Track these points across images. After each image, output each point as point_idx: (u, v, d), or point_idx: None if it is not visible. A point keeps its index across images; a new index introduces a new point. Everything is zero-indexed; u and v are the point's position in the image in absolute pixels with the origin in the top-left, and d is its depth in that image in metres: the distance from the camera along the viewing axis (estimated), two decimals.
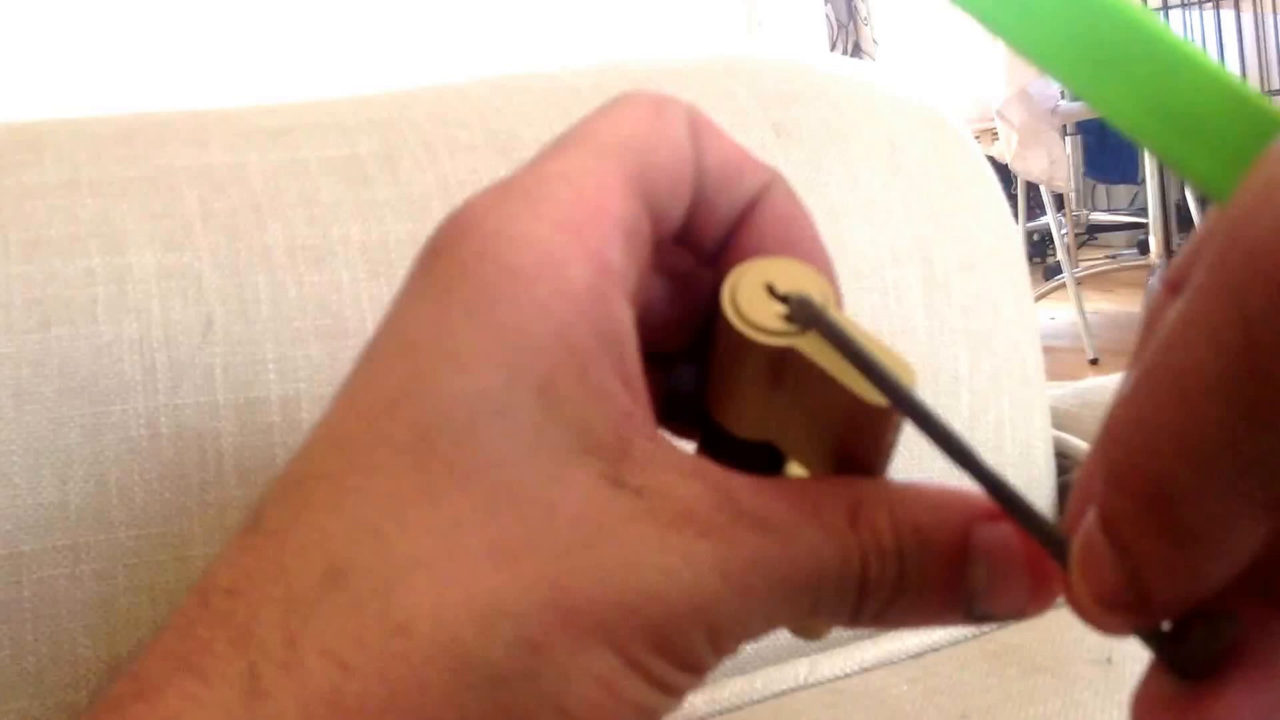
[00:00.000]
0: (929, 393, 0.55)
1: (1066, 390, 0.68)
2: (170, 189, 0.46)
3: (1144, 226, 3.24)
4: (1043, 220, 3.17)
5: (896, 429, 0.23)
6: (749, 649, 0.49)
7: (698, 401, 0.26)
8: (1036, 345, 0.61)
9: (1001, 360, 0.58)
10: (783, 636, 0.28)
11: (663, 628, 0.20)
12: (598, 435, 0.21)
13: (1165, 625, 0.20)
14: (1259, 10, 2.51)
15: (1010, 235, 0.61)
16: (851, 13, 3.29)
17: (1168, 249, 2.90)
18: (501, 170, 0.43)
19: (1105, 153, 3.91)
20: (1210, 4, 2.58)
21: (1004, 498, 0.21)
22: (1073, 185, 3.54)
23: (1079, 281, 2.92)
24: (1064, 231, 3.09)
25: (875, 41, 3.29)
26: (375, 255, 0.46)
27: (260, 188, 0.47)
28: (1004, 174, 2.67)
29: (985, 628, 0.49)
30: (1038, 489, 0.59)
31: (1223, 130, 0.19)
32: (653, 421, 0.22)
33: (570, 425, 0.21)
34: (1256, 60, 2.52)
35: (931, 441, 0.21)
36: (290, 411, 0.43)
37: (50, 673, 0.40)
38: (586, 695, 0.20)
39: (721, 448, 0.25)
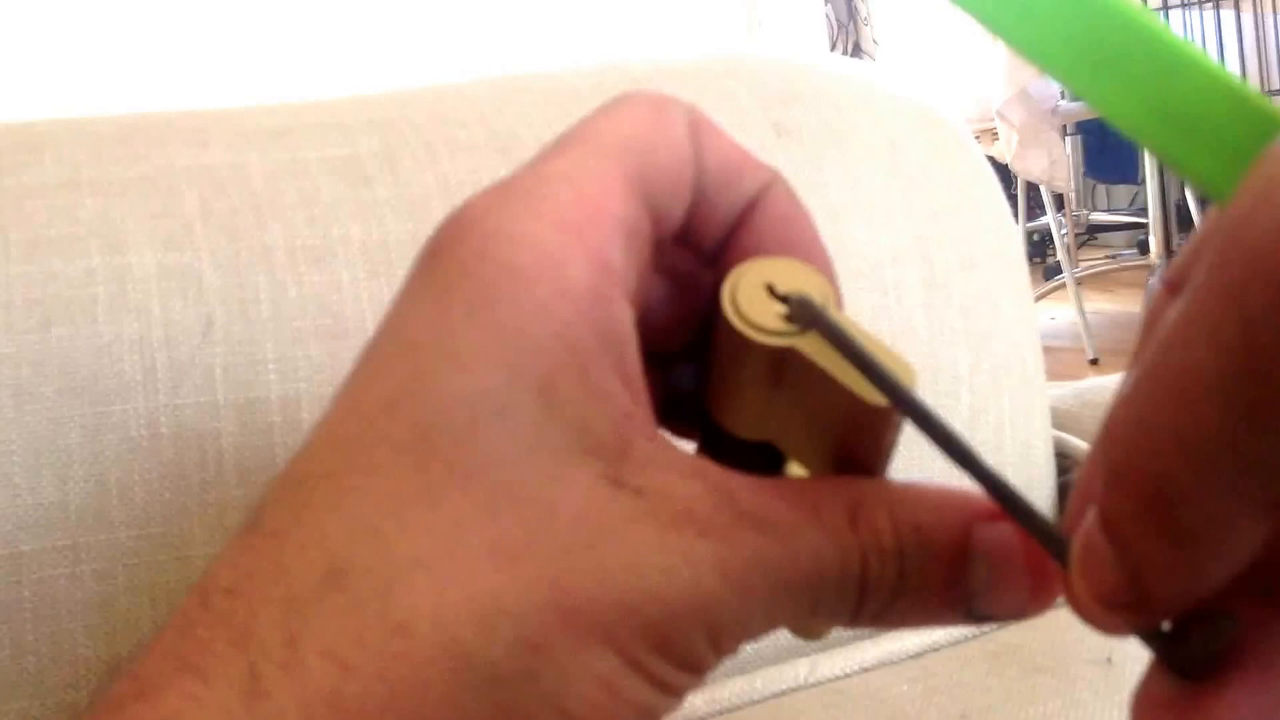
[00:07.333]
0: (929, 393, 0.55)
1: (1066, 390, 0.68)
2: (170, 189, 0.46)
3: (1144, 226, 3.24)
4: (1043, 220, 3.17)
5: (896, 429, 0.23)
6: (749, 649, 0.49)
7: (698, 401, 0.26)
8: (1036, 345, 0.61)
9: (1001, 360, 0.58)
10: (783, 636, 0.28)
11: (663, 628, 0.20)
12: (598, 435, 0.21)
13: (1165, 625, 0.20)
14: (1259, 10, 2.51)
15: (1010, 235, 0.61)
16: (851, 13, 3.29)
17: (1168, 249, 2.90)
18: (501, 170, 0.43)
19: (1105, 153, 3.91)
20: (1210, 4, 2.58)
21: (1004, 498, 0.21)
22: (1073, 185, 3.54)
23: (1079, 281, 2.92)
24: (1064, 231, 3.09)
25: (875, 41, 3.29)
26: (375, 255, 0.46)
27: (260, 188, 0.47)
28: (1004, 174, 2.67)
29: (985, 628, 0.49)
30: (1038, 489, 0.59)
31: (1223, 130, 0.19)
32: (653, 421, 0.22)
33: (570, 425, 0.21)
34: (1256, 60, 2.52)
35: (931, 441, 0.21)
36: (290, 411, 0.43)
37: (50, 673, 0.40)
38: (587, 695, 0.20)
39: (721, 448, 0.25)
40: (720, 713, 0.45)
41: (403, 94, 0.53)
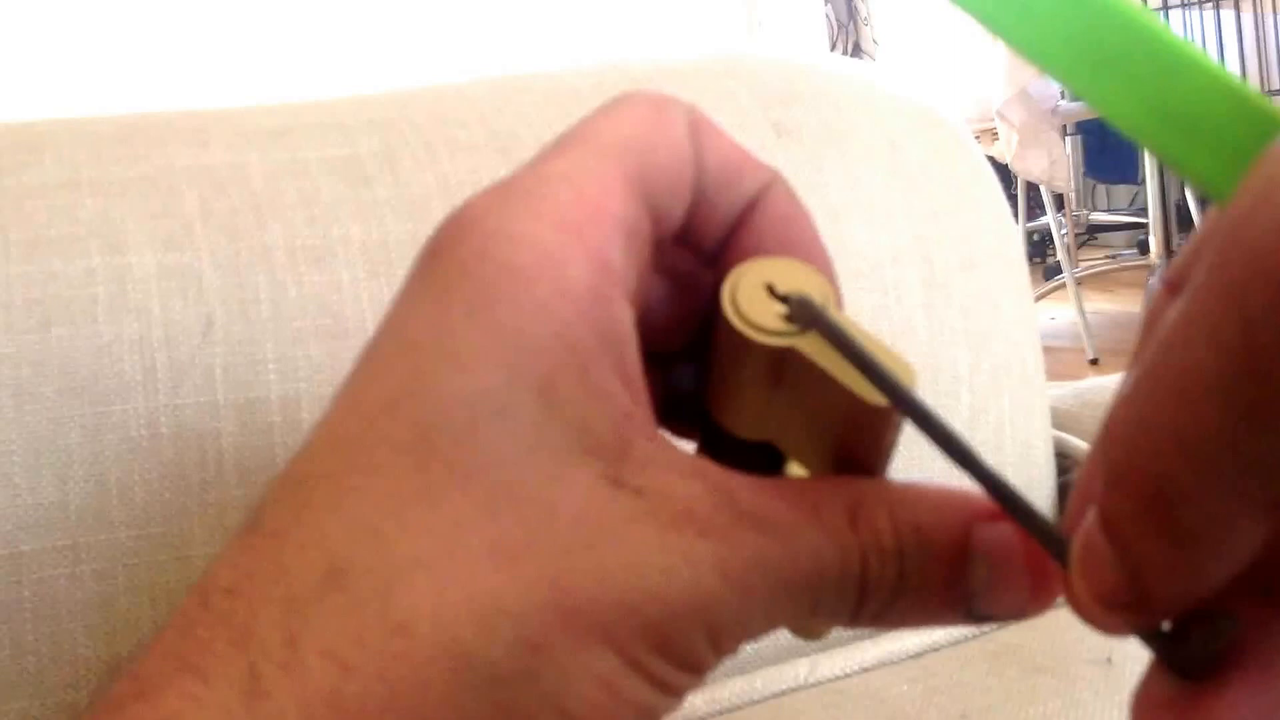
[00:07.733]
0: (929, 393, 0.55)
1: (1066, 390, 0.68)
2: (170, 189, 0.46)
3: (1144, 226, 3.24)
4: (1043, 220, 3.17)
5: (896, 429, 0.23)
6: (749, 649, 0.49)
7: (698, 401, 0.26)
8: (1036, 345, 0.61)
9: (1001, 360, 0.58)
10: (783, 636, 0.28)
11: (663, 628, 0.20)
12: (598, 435, 0.21)
13: (1165, 625, 0.20)
14: (1259, 10, 2.51)
15: (1010, 235, 0.61)
16: (851, 13, 3.29)
17: (1168, 249, 2.90)
18: (501, 170, 0.43)
19: (1105, 153, 3.91)
20: (1210, 4, 2.58)
21: (1004, 498, 0.21)
22: (1073, 185, 3.54)
23: (1079, 281, 2.92)
24: (1064, 231, 3.09)
25: (875, 41, 3.29)
26: (375, 255, 0.46)
27: (260, 188, 0.47)
28: (1004, 174, 2.67)
29: (985, 628, 0.49)
30: (1038, 489, 0.59)
31: (1223, 130, 0.19)
32: (653, 421, 0.22)
33: (570, 425, 0.21)
34: (1256, 60, 2.52)
35: (931, 441, 0.21)
36: (290, 411, 0.43)
37: (50, 673, 0.40)
38: (587, 695, 0.20)
39: (721, 448, 0.25)
40: (720, 713, 0.45)
41: (403, 94, 0.53)
